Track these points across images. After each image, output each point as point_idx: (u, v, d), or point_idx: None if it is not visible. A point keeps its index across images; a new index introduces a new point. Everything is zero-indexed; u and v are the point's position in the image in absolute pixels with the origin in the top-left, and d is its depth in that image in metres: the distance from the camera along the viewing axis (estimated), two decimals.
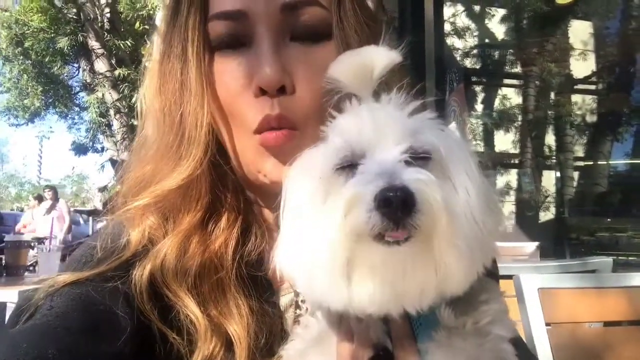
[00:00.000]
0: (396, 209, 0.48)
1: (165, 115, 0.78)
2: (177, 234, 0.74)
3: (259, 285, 0.76)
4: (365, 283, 0.51)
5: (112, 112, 10.17)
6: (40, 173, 51.73)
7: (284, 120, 0.74)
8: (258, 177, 0.78)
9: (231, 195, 0.80)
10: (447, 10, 8.82)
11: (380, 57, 0.58)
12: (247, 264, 0.76)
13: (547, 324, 1.72)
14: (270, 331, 0.74)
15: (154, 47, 0.82)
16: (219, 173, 0.79)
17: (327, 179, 0.55)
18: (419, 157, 0.54)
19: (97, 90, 10.06)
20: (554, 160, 9.66)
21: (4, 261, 3.18)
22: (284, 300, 0.80)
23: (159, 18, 0.84)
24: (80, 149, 14.32)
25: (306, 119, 0.75)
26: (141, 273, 0.71)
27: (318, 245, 0.52)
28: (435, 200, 0.49)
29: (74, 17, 10.43)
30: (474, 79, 9.60)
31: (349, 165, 0.55)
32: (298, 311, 0.79)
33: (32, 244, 3.62)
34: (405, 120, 0.56)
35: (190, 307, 0.71)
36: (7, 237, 3.29)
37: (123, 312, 0.68)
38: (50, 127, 24.26)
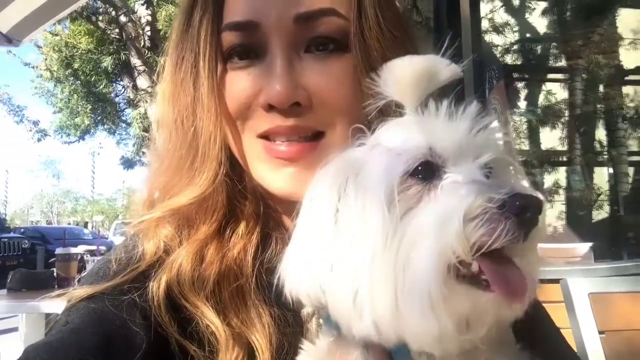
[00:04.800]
0: (534, 216, 0.45)
1: (178, 127, 0.76)
2: (192, 243, 0.73)
3: (280, 292, 0.74)
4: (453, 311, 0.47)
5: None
6: (93, 187, 54.27)
7: (301, 130, 0.71)
8: (269, 191, 0.76)
9: (250, 202, 0.78)
10: (484, 7, 8.59)
11: (445, 70, 0.56)
12: (267, 271, 0.74)
13: (601, 332, 1.61)
14: (292, 341, 0.71)
15: (167, 56, 0.81)
16: (235, 184, 0.77)
17: (394, 187, 0.50)
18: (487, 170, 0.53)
19: (140, 106, 10.42)
20: (606, 156, 9.20)
21: (55, 273, 3.32)
22: (307, 309, 0.77)
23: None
24: (128, 163, 14.86)
25: (330, 126, 0.72)
26: (157, 285, 0.70)
27: (395, 265, 0.48)
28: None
29: (117, 37, 10.89)
30: (515, 75, 9.30)
31: (418, 176, 0.51)
32: (321, 321, 0.76)
33: (84, 256, 3.76)
34: (482, 132, 0.54)
35: (209, 317, 0.70)
36: (58, 250, 3.43)
37: (139, 327, 0.67)
38: (100, 144, 25.57)
